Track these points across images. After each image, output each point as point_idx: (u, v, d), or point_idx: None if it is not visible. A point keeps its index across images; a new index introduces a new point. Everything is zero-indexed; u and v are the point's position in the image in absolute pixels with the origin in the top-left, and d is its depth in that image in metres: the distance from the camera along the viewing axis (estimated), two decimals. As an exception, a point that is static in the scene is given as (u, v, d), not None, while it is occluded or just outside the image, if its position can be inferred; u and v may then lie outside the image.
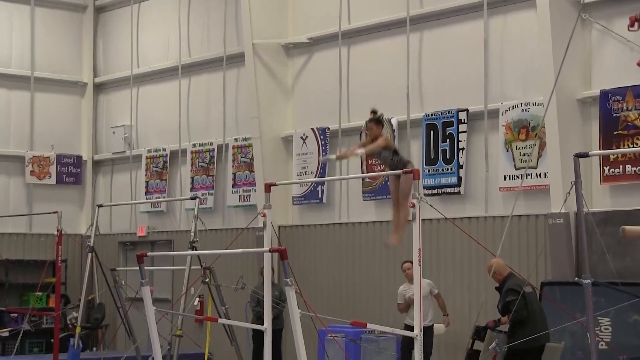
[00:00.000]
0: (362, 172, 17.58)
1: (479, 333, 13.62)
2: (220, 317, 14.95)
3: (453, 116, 16.38)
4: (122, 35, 23.41)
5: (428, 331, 14.26)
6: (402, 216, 11.32)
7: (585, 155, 10.64)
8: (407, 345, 14.39)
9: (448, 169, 16.38)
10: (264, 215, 11.65)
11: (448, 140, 16.42)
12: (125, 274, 18.99)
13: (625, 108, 14.23)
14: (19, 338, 17.76)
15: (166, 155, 21.93)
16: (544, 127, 14.78)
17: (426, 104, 17.01)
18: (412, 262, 15.36)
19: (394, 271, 16.84)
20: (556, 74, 13.70)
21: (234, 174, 20.30)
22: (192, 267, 16.36)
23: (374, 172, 17.38)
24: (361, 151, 11.81)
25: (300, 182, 17.95)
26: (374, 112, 11.77)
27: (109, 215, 22.99)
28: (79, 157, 23.73)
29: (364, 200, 17.81)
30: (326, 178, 12.10)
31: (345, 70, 18.41)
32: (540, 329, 12.09)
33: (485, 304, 14.09)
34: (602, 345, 12.55)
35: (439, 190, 16.49)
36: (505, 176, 15.60)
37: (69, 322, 20.37)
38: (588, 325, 10.33)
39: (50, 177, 23.21)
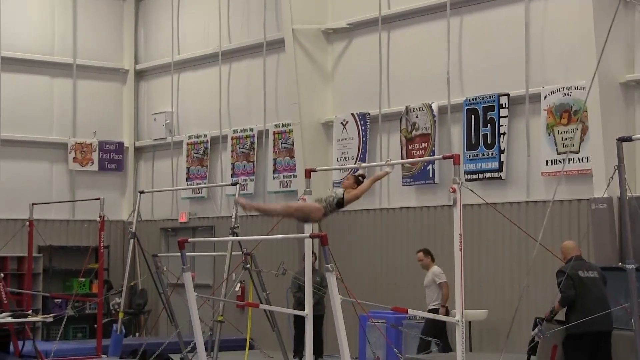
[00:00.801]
0: (402, 158, 17.50)
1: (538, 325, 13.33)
2: (262, 303, 14.97)
3: (494, 101, 16.25)
4: (163, 23, 23.46)
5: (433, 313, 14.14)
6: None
7: (629, 139, 10.53)
8: (429, 325, 14.81)
9: (489, 154, 16.26)
10: (305, 201, 11.64)
11: (489, 125, 16.30)
12: (167, 259, 19.06)
13: (669, 91, 14.04)
14: (63, 323, 17.90)
15: (207, 141, 21.97)
16: (586, 112, 14.63)
17: (467, 89, 16.90)
18: (424, 251, 15.54)
19: (435, 256, 16.76)
20: (598, 57, 13.53)
21: (275, 160, 20.29)
22: (233, 253, 16.42)
23: (414, 157, 17.29)
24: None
25: (340, 168, 17.88)
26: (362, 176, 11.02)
27: (150, 201, 23.09)
28: (121, 144, 23.84)
29: (403, 185, 17.74)
30: (366, 164, 12.10)
31: (385, 55, 18.32)
32: (596, 314, 11.61)
33: (527, 290, 13.96)
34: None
35: (480, 176, 16.38)
36: (547, 161, 15.47)
37: (111, 307, 20.50)
38: (632, 310, 10.23)
39: (92, 163, 23.33)
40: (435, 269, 15.38)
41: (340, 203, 10.59)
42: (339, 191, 10.70)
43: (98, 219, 18.33)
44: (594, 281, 12.04)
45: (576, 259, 12.17)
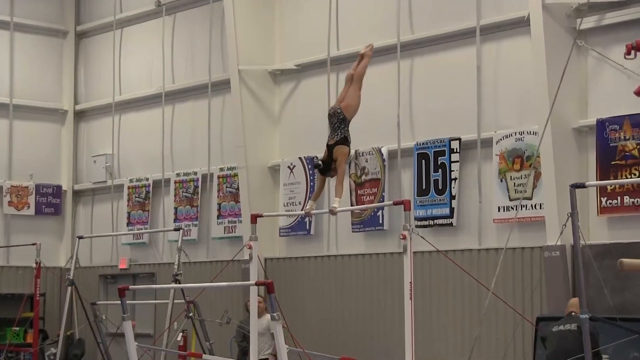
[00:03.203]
0: (351, 203, 17.54)
1: None
2: (205, 353, 14.86)
3: (445, 145, 16.37)
4: (104, 62, 23.40)
5: None
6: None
7: (582, 186, 10.64)
8: None
9: (440, 200, 16.35)
10: (250, 247, 11.65)
11: (440, 170, 16.40)
12: (106, 308, 18.88)
13: (622, 137, 14.24)
14: (-5, 375, 17.63)
15: (149, 185, 21.87)
16: (539, 157, 14.76)
17: (417, 133, 17.01)
18: (262, 297, 15.70)
19: (385, 305, 16.80)
20: (551, 102, 13.71)
21: (219, 205, 20.23)
22: (175, 300, 16.31)
23: (364, 202, 17.34)
24: (335, 206, 11.62)
25: (288, 215, 17.89)
26: (317, 165, 11.94)
27: (89, 247, 22.89)
28: (59, 187, 23.65)
29: (352, 231, 17.76)
30: (315, 211, 12.20)
31: (333, 97, 18.36)
32: None
33: (480, 340, 14.02)
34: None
35: (431, 222, 16.45)
36: (499, 207, 15.58)
37: (47, 358, 20.22)
38: (586, 361, 10.28)
39: (28, 207, 23.11)
40: (268, 317, 15.57)
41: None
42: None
43: (34, 265, 18.17)
44: (563, 334, 12.12)
45: (568, 316, 12.32)
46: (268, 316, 15.47)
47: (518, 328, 14.48)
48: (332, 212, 11.56)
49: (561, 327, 12.16)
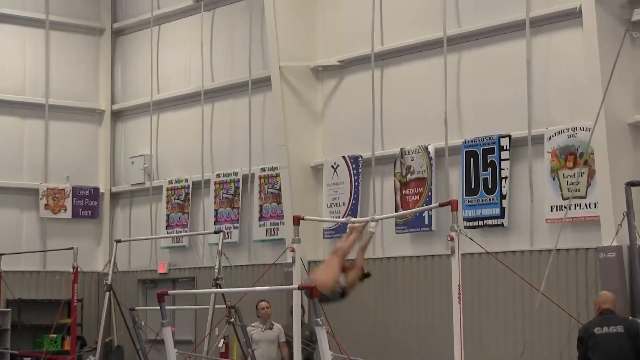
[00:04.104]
0: (396, 203, 17.52)
1: None
2: (247, 360, 14.90)
3: (495, 142, 16.32)
4: (141, 60, 23.57)
5: None
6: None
7: (638, 184, 10.58)
8: None
9: (490, 200, 16.30)
10: (293, 250, 11.65)
11: (489, 168, 16.35)
12: (145, 313, 19.00)
13: (680, 132, 14.11)
14: (33, 383, 17.79)
15: (188, 186, 21.98)
16: (592, 154, 14.68)
17: (465, 130, 16.97)
18: (268, 302, 15.83)
19: (432, 309, 16.76)
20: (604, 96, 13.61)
21: (261, 206, 20.29)
22: (216, 306, 16.36)
23: (409, 202, 17.32)
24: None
25: (330, 221, 17.88)
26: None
27: (127, 251, 23.06)
28: (96, 189, 23.83)
29: (397, 232, 17.73)
30: (355, 219, 12.45)
31: (378, 94, 18.41)
32: None
33: (532, 345, 13.95)
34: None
35: (481, 222, 16.40)
36: (551, 207, 15.50)
37: (85, 365, 20.39)
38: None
39: (65, 210, 23.30)
40: (278, 326, 15.76)
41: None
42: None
43: (71, 270, 18.29)
44: (610, 337, 11.93)
45: (603, 313, 12.11)
46: (278, 324, 15.66)
47: (573, 332, 14.37)
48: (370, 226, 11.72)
49: (605, 330, 11.97)
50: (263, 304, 16.05)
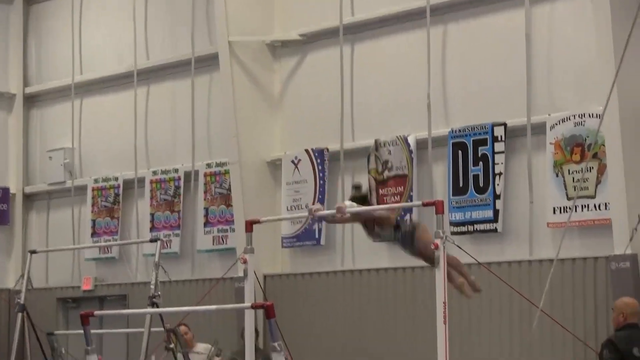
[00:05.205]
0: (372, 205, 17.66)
1: None
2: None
3: (487, 132, 16.48)
4: (61, 33, 23.50)
5: None
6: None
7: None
8: None
9: (481, 200, 16.47)
10: (245, 262, 11.75)
11: (481, 163, 16.50)
12: (67, 338, 19.04)
13: None
14: None
15: (118, 186, 22.01)
16: (603, 146, 14.85)
17: (452, 118, 17.11)
18: (188, 326, 16.03)
19: (413, 330, 16.87)
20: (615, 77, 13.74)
21: (206, 209, 20.36)
22: (152, 329, 16.43)
23: (386, 204, 17.45)
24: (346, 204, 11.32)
25: (292, 218, 17.98)
26: (357, 186, 11.39)
27: (44, 263, 23.02)
28: (6, 190, 23.79)
29: (374, 241, 17.84)
30: (326, 211, 12.10)
31: (348, 75, 18.51)
32: None
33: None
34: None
35: (470, 227, 16.56)
36: (554, 208, 15.67)
37: (-7, 401, 20.41)
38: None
39: (-31, 215, 23.31)
40: (203, 346, 15.96)
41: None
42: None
43: (-23, 286, 18.29)
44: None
45: (630, 327, 12.16)
46: (200, 346, 15.78)
47: (578, 356, 14.57)
48: (341, 211, 11.09)
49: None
50: (183, 328, 16.18)
